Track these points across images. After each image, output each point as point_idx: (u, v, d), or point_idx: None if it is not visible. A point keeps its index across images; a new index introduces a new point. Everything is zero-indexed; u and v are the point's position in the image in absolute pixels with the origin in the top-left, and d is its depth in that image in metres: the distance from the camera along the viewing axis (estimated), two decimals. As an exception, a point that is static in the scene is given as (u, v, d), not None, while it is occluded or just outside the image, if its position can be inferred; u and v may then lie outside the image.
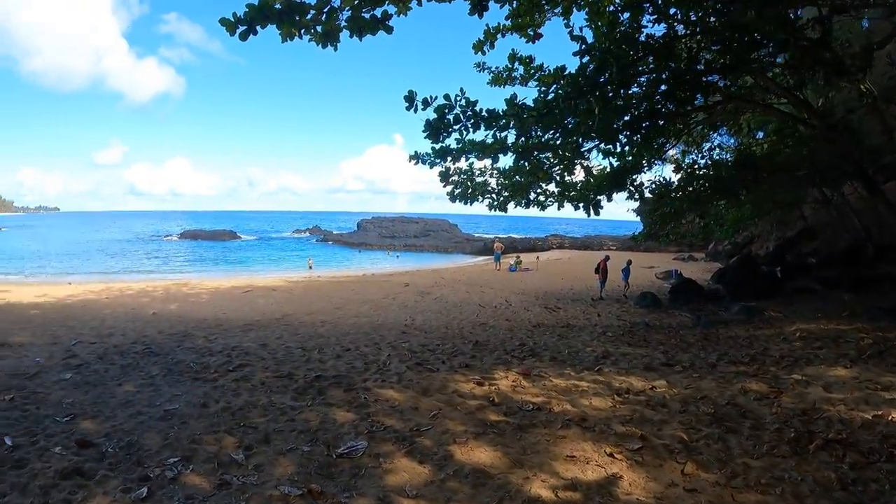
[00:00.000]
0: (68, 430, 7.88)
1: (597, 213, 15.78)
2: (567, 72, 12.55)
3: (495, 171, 14.87)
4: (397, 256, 69.36)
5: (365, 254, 74.32)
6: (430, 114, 11.28)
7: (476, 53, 13.45)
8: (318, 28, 7.29)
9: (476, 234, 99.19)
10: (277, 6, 6.75)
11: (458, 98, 11.35)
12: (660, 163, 19.08)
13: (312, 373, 11.18)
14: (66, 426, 8.09)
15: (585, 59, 11.36)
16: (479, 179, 14.74)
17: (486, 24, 12.91)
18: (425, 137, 11.71)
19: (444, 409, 8.70)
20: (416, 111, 10.92)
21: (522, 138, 12.51)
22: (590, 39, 12.02)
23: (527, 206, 15.68)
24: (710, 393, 9.52)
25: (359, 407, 8.85)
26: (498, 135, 12.20)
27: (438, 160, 12.90)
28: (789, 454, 6.79)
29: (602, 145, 13.78)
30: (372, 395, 9.50)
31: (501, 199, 15.05)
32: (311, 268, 51.94)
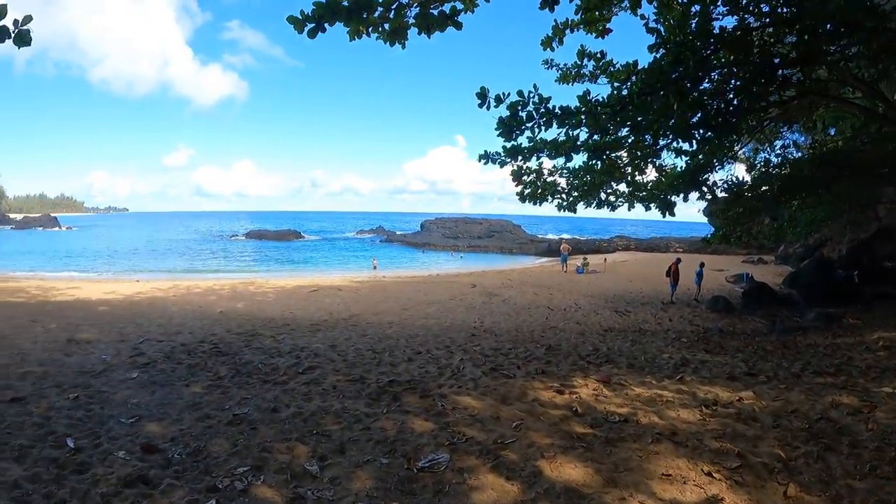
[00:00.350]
0: (133, 433, 7.64)
1: (672, 214, 15.35)
2: (639, 67, 12.11)
3: (565, 171, 14.47)
4: (461, 257, 68.92)
5: (429, 254, 74.14)
6: (503, 111, 10.98)
7: (545, 50, 13.04)
8: (386, 26, 7.17)
9: (540, 236, 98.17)
10: (345, 3, 6.60)
11: (531, 95, 11.00)
12: (730, 162, 18.54)
13: (385, 377, 10.83)
14: (131, 428, 7.86)
15: (659, 53, 11.03)
16: (548, 179, 14.36)
17: (555, 20, 12.50)
18: (498, 135, 11.36)
19: (527, 419, 8.26)
20: (488, 108, 10.55)
21: (595, 136, 12.14)
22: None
23: (599, 206, 15.25)
24: (800, 406, 8.99)
25: (437, 415, 8.45)
26: (570, 133, 11.84)
27: (509, 159, 12.56)
28: (893, 475, 6.28)
29: (675, 143, 13.40)
30: (449, 403, 9.10)
31: (571, 199, 14.66)
32: (375, 268, 52.00)
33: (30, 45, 5.13)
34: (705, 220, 33.71)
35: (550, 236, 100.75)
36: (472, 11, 7.44)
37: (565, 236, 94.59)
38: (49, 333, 15.28)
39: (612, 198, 15.32)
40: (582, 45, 13.28)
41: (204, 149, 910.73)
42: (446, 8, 6.97)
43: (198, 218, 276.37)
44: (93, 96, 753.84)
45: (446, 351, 13.68)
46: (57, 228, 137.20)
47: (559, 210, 14.75)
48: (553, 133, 11.84)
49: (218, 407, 8.82)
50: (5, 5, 4.96)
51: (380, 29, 7.24)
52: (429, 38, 7.26)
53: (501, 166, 12.63)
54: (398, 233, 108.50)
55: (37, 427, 7.89)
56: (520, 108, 10.87)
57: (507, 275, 42.65)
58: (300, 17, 6.75)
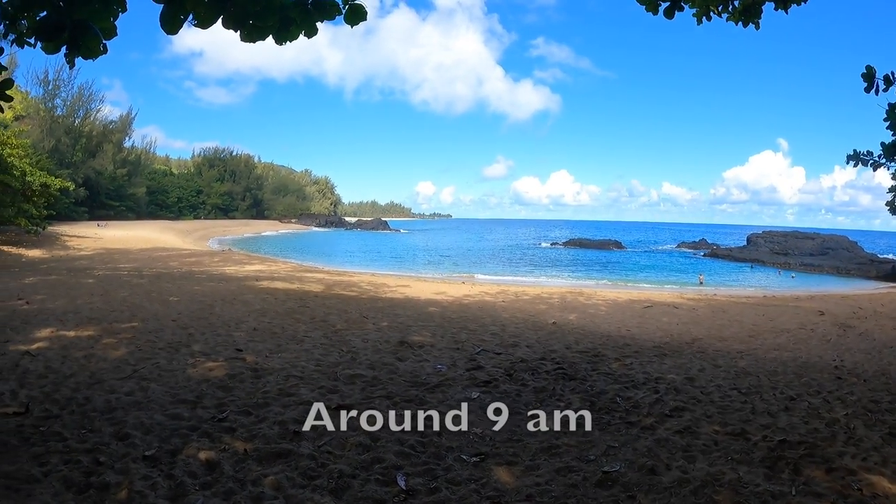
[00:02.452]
0: (477, 478, 6.35)
1: None
2: None
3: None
4: (793, 276, 63.75)
5: (757, 271, 69.76)
6: (892, 96, 9.18)
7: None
8: (736, 2, 6.84)
9: (881, 255, 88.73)
10: (699, -25, 5.68)
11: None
12: None
13: (770, 433, 8.62)
14: (475, 471, 6.55)
15: None
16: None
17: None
18: (887, 127, 9.53)
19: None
20: (876, 93, 8.81)
21: None
22: None
23: None
24: None
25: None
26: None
27: (885, 160, 10.44)
28: None
29: None
30: (864, 485, 6.77)
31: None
32: (702, 283, 49.49)
33: (365, 19, 4.88)
34: None
35: (892, 256, 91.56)
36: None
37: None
38: (381, 332, 14.99)
39: None
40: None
41: (521, 160, 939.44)
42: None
43: (516, 225, 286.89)
44: (415, 117, 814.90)
45: (822, 400, 11.18)
46: (387, 231, 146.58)
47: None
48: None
49: (580, 455, 7.19)
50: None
51: (730, 8, 6.92)
52: (786, 13, 6.88)
53: (874, 168, 10.61)
54: (722, 246, 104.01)
55: (361, 449, 7.01)
56: (915, 90, 9.06)
57: (856, 301, 37.80)
58: (653, -2, 6.33)
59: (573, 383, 10.69)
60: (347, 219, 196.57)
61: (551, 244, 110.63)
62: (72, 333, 13.49)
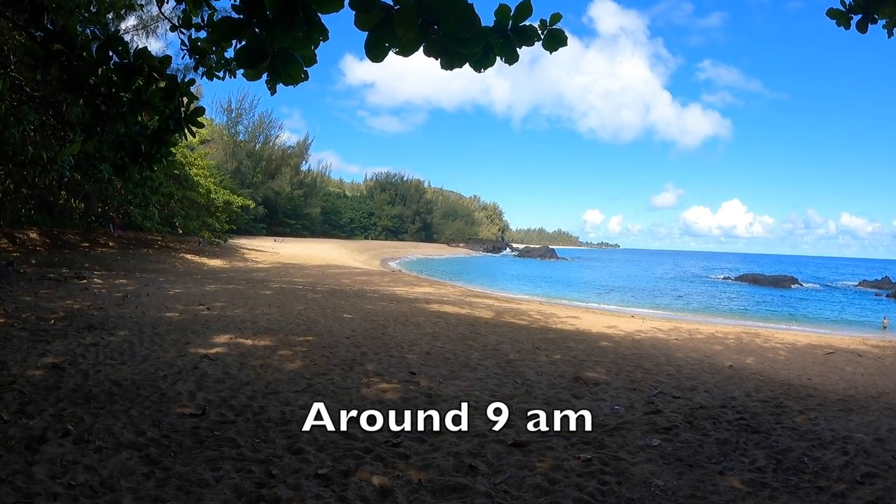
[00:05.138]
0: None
1: None
2: None
3: None
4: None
5: (949, 316, 65.31)
6: None
7: None
8: None
9: None
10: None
11: None
12: None
13: None
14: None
15: None
16: None
17: None
18: None
19: None
20: None
21: None
22: None
23: None
24: None
25: None
26: None
27: None
28: None
29: None
30: None
31: None
32: (885, 328, 46.43)
33: (565, 44, 4.92)
34: None
35: None
36: None
37: None
38: (554, 365, 14.78)
39: None
40: None
41: (691, 189, 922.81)
42: None
43: (685, 257, 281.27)
44: (582, 144, 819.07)
45: None
46: (554, 259, 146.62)
47: None
48: None
49: (769, 525, 6.58)
50: (529, 1, 4.61)
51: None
52: None
53: None
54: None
55: (539, 492, 6.85)
56: None
57: None
58: (843, 9, 6.40)
59: (756, 437, 10.07)
60: (515, 245, 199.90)
61: (723, 278, 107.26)
62: (249, 342, 14.28)
